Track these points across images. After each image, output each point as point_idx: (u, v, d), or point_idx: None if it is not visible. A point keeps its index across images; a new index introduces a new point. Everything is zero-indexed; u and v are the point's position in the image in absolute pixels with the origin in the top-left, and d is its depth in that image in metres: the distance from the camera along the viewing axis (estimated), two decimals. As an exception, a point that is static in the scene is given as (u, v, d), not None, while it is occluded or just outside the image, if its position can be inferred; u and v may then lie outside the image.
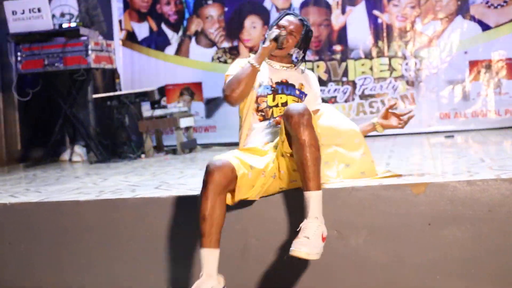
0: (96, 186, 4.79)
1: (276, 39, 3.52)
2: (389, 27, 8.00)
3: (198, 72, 8.45)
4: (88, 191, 4.52)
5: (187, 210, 3.86)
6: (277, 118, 3.59)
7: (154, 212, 3.91)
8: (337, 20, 8.08)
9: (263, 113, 3.62)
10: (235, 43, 8.37)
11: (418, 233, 3.61)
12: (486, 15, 7.81)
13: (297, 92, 3.68)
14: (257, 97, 3.60)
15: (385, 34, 7.99)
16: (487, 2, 7.78)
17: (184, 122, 7.47)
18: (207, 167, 3.21)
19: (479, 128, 7.72)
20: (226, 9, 8.40)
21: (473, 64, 7.82)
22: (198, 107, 8.44)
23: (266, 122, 3.61)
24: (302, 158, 3.17)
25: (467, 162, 4.54)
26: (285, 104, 3.59)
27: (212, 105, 8.42)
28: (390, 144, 6.69)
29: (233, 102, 3.48)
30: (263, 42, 3.58)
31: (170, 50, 8.54)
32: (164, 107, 7.65)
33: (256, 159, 3.44)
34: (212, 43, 8.43)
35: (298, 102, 3.64)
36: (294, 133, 3.18)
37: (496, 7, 7.77)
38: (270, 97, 3.61)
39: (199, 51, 8.47)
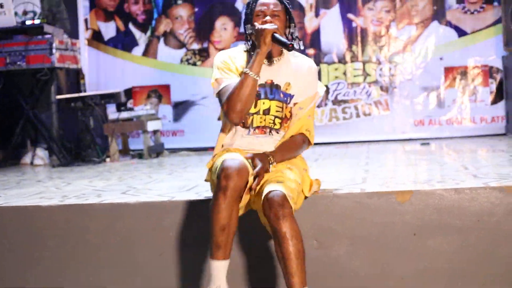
0: (59, 191, 4.55)
1: (276, 39, 3.06)
2: (364, 31, 7.87)
3: (166, 74, 8.24)
4: (51, 195, 4.28)
5: (155, 216, 3.65)
6: (257, 131, 3.29)
7: (122, 219, 3.69)
8: (310, 23, 7.93)
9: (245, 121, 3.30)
10: (205, 45, 8.17)
11: (403, 243, 3.45)
12: (462, 21, 7.72)
13: (281, 96, 3.27)
14: None
15: (359, 39, 7.86)
16: (463, 8, 7.69)
17: (151, 126, 7.25)
18: (225, 170, 2.92)
19: (454, 136, 7.63)
20: (196, 9, 8.20)
21: (448, 70, 7.73)
22: (166, 110, 8.23)
23: (247, 131, 3.30)
24: (283, 252, 2.89)
25: (450, 169, 4.39)
26: (267, 111, 3.25)
27: (180, 109, 8.21)
28: (364, 151, 6.54)
29: (238, 123, 3.20)
30: (249, 41, 3.27)
31: (138, 50, 8.32)
32: (131, 109, 7.40)
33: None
34: (181, 44, 8.22)
35: (282, 107, 3.28)
36: (273, 225, 2.91)
37: (472, 13, 7.69)
38: None
39: (168, 52, 8.26)
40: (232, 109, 3.08)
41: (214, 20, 8.13)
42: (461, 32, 7.71)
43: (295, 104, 3.31)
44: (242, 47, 3.35)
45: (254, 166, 3.09)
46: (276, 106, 3.28)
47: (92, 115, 7.27)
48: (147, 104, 8.19)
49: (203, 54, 8.14)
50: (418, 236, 3.44)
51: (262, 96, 3.25)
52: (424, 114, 7.78)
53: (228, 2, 8.11)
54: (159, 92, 8.25)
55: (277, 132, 3.32)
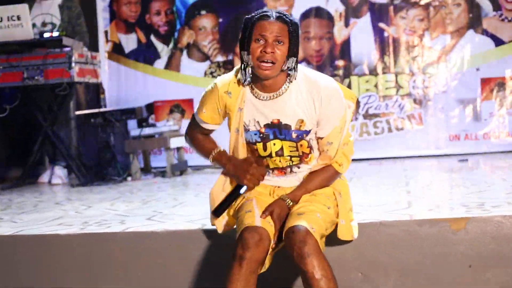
0: (79, 215, 4.29)
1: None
2: (396, 41, 7.56)
3: (189, 88, 7.96)
4: (70, 221, 4.02)
5: (184, 246, 3.38)
6: (276, 172, 2.96)
7: (148, 249, 3.42)
8: (340, 33, 7.63)
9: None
10: (230, 57, 7.90)
11: (457, 276, 3.16)
12: (499, 29, 7.39)
13: (294, 135, 2.85)
14: (247, 143, 2.95)
15: (391, 49, 7.55)
16: (500, 15, 7.37)
17: (174, 142, 6.98)
18: (243, 239, 2.65)
19: (491, 151, 7.28)
20: (220, 20, 7.93)
21: (485, 81, 7.40)
22: (189, 125, 7.94)
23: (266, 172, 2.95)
24: None
25: (501, 191, 4.09)
26: (280, 152, 2.88)
27: (204, 124, 7.92)
28: (400, 168, 6.23)
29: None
30: (245, 70, 2.82)
31: (160, 63, 8.06)
32: (153, 125, 7.15)
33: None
34: (205, 57, 7.96)
35: (296, 147, 2.88)
36: (299, 266, 2.62)
37: (510, 21, 7.36)
38: (260, 146, 2.89)
39: (191, 65, 7.99)
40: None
41: (239, 31, 7.84)
42: (498, 41, 7.38)
43: (320, 138, 2.90)
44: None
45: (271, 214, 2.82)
46: (290, 146, 2.90)
47: (112, 131, 7.04)
48: (169, 119, 7.92)
49: (228, 67, 7.86)
50: (474, 269, 3.14)
51: (271, 136, 2.86)
52: (460, 128, 7.44)
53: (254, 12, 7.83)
54: (182, 107, 7.99)
55: (299, 167, 2.97)
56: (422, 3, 7.50)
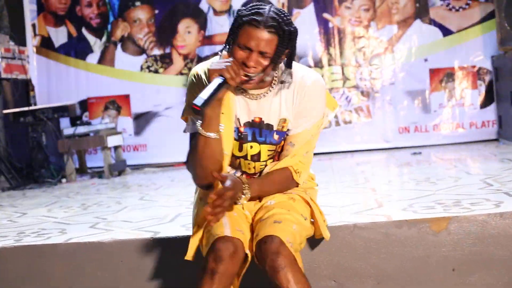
0: (13, 224, 3.89)
1: (220, 86, 2.33)
2: (341, 32, 7.33)
3: (125, 83, 7.57)
4: (3, 232, 3.61)
5: (136, 257, 3.03)
6: (243, 177, 2.55)
7: (94, 262, 3.06)
8: (283, 24, 7.34)
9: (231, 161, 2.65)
10: (167, 50, 7.53)
11: (440, 280, 2.91)
12: (447, 19, 7.23)
13: (276, 137, 2.56)
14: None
15: (336, 40, 7.31)
16: (448, 5, 7.21)
17: (112, 141, 6.60)
18: (216, 250, 2.33)
19: (442, 143, 7.13)
20: (156, 11, 7.55)
21: (434, 72, 7.23)
22: (126, 123, 7.56)
23: (233, 172, 2.65)
24: None
25: (472, 186, 3.85)
26: (256, 157, 2.58)
27: (141, 121, 7.55)
28: (353, 163, 6.00)
29: (207, 187, 2.52)
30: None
31: (93, 58, 7.64)
32: (88, 123, 6.74)
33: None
34: (141, 50, 7.56)
35: (275, 150, 2.58)
36: (272, 279, 2.33)
37: (458, 10, 7.21)
38: (235, 145, 2.57)
39: (126, 59, 7.59)
40: (193, 175, 2.49)
41: (176, 22, 7.49)
42: (446, 31, 7.22)
43: (287, 135, 2.59)
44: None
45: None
46: (268, 150, 2.60)
47: (44, 130, 6.68)
48: (104, 116, 7.52)
49: (166, 61, 7.50)
50: (458, 272, 2.90)
51: (249, 138, 2.57)
52: (409, 121, 7.26)
53: (192, 3, 7.48)
54: (118, 103, 7.58)
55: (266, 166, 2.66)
56: (367, -8, 7.29)
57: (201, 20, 7.46)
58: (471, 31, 7.18)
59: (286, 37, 2.35)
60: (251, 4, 2.40)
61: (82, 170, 6.92)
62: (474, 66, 7.19)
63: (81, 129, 6.60)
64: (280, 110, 2.53)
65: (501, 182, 3.89)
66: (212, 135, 2.37)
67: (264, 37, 2.33)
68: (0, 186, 6.31)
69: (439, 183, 4.11)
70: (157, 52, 7.53)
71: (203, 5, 7.45)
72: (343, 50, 7.33)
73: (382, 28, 7.30)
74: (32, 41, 7.62)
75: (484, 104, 7.18)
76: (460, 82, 7.21)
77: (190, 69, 7.42)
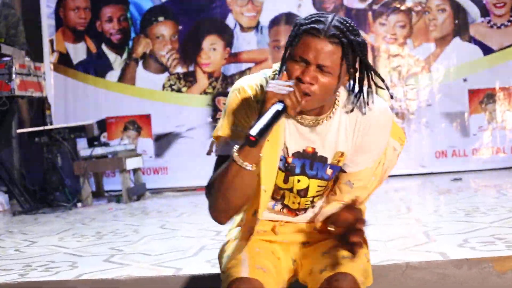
0: (20, 255, 3.57)
1: (279, 113, 1.87)
2: (375, 50, 6.99)
3: (145, 103, 7.25)
4: (8, 264, 3.29)
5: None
6: (285, 211, 2.23)
7: (108, 303, 2.71)
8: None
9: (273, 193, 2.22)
10: (191, 68, 7.21)
11: (506, 331, 2.52)
12: (488, 37, 6.87)
13: (329, 172, 2.15)
14: None
15: (370, 58, 6.96)
16: (489, 22, 6.85)
17: (131, 163, 6.27)
18: None
19: (481, 169, 6.73)
20: (180, 27, 7.25)
21: (473, 93, 6.85)
22: (146, 144, 7.24)
23: (273, 203, 2.23)
24: None
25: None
26: (303, 192, 2.17)
27: (162, 142, 7.22)
28: (389, 189, 5.61)
29: (223, 223, 2.11)
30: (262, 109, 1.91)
31: (112, 76, 7.33)
32: (106, 144, 6.43)
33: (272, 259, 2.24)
34: (164, 68, 7.25)
35: (326, 186, 2.17)
36: None
37: (499, 27, 6.85)
38: (280, 175, 2.15)
39: (148, 77, 7.28)
40: (211, 206, 2.06)
41: (201, 39, 7.18)
42: (486, 49, 6.85)
43: (343, 172, 2.18)
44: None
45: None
46: (318, 186, 2.18)
47: (59, 151, 6.37)
48: (123, 137, 7.21)
49: (189, 79, 7.18)
50: (527, 321, 2.52)
51: (297, 170, 2.15)
52: (447, 144, 6.88)
53: (217, 18, 7.18)
54: (138, 124, 7.27)
55: (313, 207, 2.26)
56: (403, 8, 6.94)
57: (227, 36, 7.14)
58: (514, 50, 6.82)
59: (352, 49, 1.95)
60: (311, 13, 2.01)
61: (99, 194, 6.61)
62: (516, 87, 6.82)
63: (99, 150, 6.28)
64: (337, 141, 2.11)
65: None
66: (248, 166, 1.93)
67: (325, 48, 1.92)
68: (12, 209, 6.02)
69: (492, 214, 3.74)
70: (180, 70, 7.22)
71: (230, 21, 7.14)
72: (377, 69, 6.96)
73: (419, 46, 6.94)
74: (49, 58, 7.33)
75: (527, 127, 6.80)
76: (501, 104, 6.83)
77: (214, 88, 7.11)
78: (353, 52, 1.96)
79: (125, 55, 7.32)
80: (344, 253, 2.06)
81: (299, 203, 2.21)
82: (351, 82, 2.04)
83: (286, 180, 2.16)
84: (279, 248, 2.25)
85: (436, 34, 6.91)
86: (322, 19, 1.95)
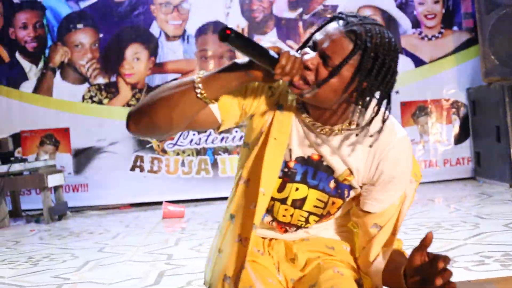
0: None
1: (265, 57, 1.72)
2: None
3: (64, 115, 6.83)
4: None
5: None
6: (274, 225, 2.06)
7: None
8: (243, 52, 6.80)
9: None
10: (113, 78, 6.84)
11: None
12: (419, 48, 6.83)
13: (332, 186, 1.97)
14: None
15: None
16: (420, 33, 6.81)
17: (52, 181, 5.87)
18: None
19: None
20: (101, 35, 6.88)
21: (405, 106, 6.80)
22: (64, 160, 6.81)
23: (264, 215, 2.03)
24: None
25: (502, 234, 3.36)
26: (299, 203, 1.99)
27: (82, 158, 6.82)
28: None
29: (133, 132, 1.88)
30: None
31: (27, 86, 6.87)
32: (24, 160, 6.00)
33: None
34: (83, 78, 6.86)
35: (326, 202, 1.98)
36: None
37: (430, 39, 6.82)
38: (276, 182, 1.97)
39: (66, 88, 6.86)
40: (138, 106, 1.87)
41: (124, 48, 6.84)
42: (418, 61, 6.82)
43: (365, 212, 1.98)
44: None
45: None
46: (318, 200, 1.99)
47: (-29, 169, 5.85)
48: (40, 152, 6.78)
49: (111, 90, 6.82)
50: None
51: (298, 177, 1.97)
52: (379, 158, 6.78)
53: (141, 26, 6.85)
54: (56, 138, 6.84)
55: (306, 228, 2.08)
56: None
57: (151, 45, 6.83)
58: (445, 62, 6.80)
59: (368, 56, 1.75)
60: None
61: (16, 214, 6.17)
62: (447, 99, 6.79)
63: (17, 167, 5.84)
64: (346, 159, 1.92)
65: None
66: (201, 93, 1.80)
67: (335, 37, 1.77)
68: None
69: (460, 230, 3.61)
70: (101, 80, 6.84)
71: (154, 29, 6.83)
72: (308, 81, 6.82)
73: (350, 57, 6.83)
74: (-44, 67, 6.84)
75: (459, 140, 6.79)
76: (433, 116, 6.80)
77: (138, 100, 6.77)
78: (368, 61, 1.76)
79: (41, 64, 6.89)
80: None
81: (291, 215, 2.01)
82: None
83: (281, 188, 1.98)
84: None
85: (367, 45, 6.82)
86: (358, 16, 1.80)
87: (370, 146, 1.89)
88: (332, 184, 1.96)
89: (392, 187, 1.94)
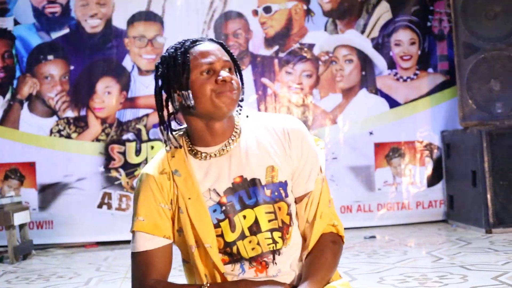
0: None
1: None
2: (281, 99, 6.76)
3: (30, 149, 6.64)
4: None
5: None
6: (250, 267, 2.07)
7: None
8: (217, 88, 6.71)
9: (227, 251, 2.06)
10: (83, 112, 6.68)
11: None
12: (394, 89, 6.82)
13: (268, 192, 2.04)
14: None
15: (276, 108, 6.72)
16: (395, 74, 6.81)
17: (18, 218, 5.68)
18: None
19: (385, 224, 6.64)
20: (72, 67, 6.72)
21: (379, 147, 6.77)
22: (29, 195, 6.60)
23: (237, 267, 2.07)
24: None
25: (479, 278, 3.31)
26: (255, 227, 2.03)
27: (48, 193, 6.61)
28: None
29: None
30: (174, 131, 2.17)
31: (-7, 118, 6.68)
32: (-12, 195, 5.82)
33: None
34: (52, 111, 6.68)
35: (274, 211, 2.04)
36: None
37: (405, 80, 6.83)
38: (225, 226, 2.04)
39: (34, 121, 6.67)
40: None
41: (94, 81, 6.69)
42: (393, 102, 6.81)
43: (300, 198, 2.10)
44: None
45: None
46: (267, 213, 2.04)
47: None
48: (4, 187, 6.58)
49: (80, 124, 6.65)
50: None
51: (238, 207, 2.04)
52: (352, 199, 6.73)
53: (113, 59, 6.71)
54: (21, 172, 6.64)
55: (280, 254, 2.07)
56: (310, 57, 6.78)
57: (123, 79, 6.69)
58: (419, 103, 6.81)
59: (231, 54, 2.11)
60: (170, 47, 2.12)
61: (-23, 253, 5.96)
62: (421, 141, 6.79)
63: (-20, 203, 5.65)
64: (261, 156, 2.07)
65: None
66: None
67: (215, 47, 2.06)
68: None
69: (450, 284, 3.55)
70: (70, 114, 6.68)
71: (127, 63, 6.70)
72: (282, 120, 6.75)
73: (326, 97, 6.80)
74: None
75: (432, 183, 6.78)
76: (407, 158, 6.79)
77: (108, 135, 6.63)
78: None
79: (8, 96, 6.69)
80: None
81: (258, 244, 2.04)
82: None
83: (232, 226, 2.04)
84: None
85: (343, 85, 6.80)
86: (192, 39, 2.08)
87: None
88: (267, 191, 2.04)
89: (309, 162, 2.11)
